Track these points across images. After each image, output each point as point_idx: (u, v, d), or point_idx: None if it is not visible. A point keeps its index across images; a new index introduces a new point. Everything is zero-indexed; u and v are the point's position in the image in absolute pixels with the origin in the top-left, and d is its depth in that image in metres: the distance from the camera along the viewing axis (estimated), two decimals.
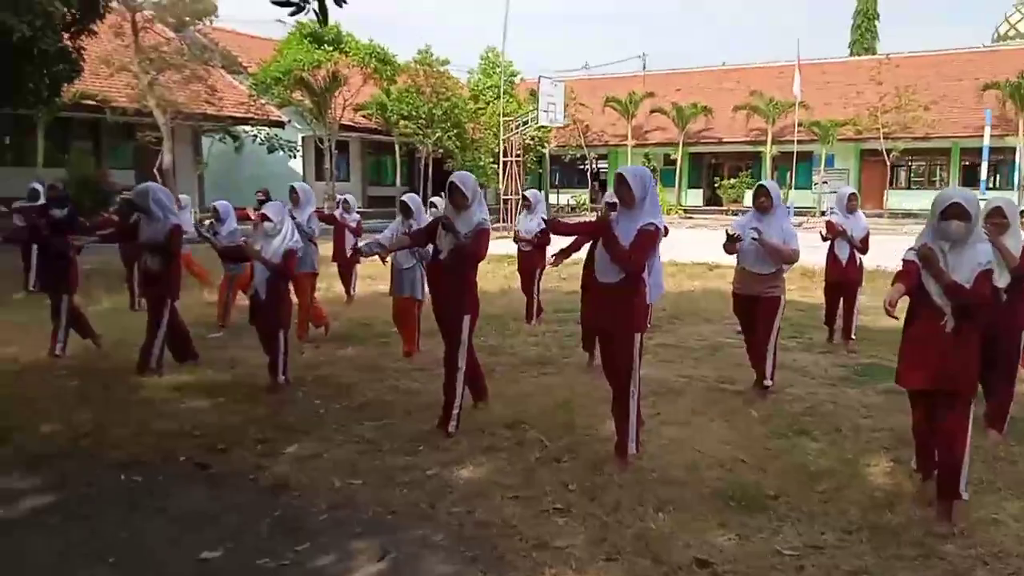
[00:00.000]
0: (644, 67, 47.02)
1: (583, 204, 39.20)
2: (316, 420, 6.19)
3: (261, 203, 9.21)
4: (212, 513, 4.52)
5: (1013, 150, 30.82)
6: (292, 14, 4.03)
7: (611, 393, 5.29)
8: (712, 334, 9.63)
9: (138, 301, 10.20)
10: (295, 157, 27.26)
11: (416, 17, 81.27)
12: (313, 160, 31.88)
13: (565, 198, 41.21)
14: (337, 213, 11.41)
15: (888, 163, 32.98)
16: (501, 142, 24.86)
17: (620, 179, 5.04)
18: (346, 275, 11.65)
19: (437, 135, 27.26)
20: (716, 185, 38.94)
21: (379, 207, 29.84)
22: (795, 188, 35.91)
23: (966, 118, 32.60)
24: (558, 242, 6.54)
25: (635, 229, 4.93)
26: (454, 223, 5.60)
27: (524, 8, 79.76)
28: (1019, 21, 45.53)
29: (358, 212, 11.92)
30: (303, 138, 29.00)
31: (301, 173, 31.75)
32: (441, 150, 27.95)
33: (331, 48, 23.81)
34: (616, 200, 5.20)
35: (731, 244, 6.58)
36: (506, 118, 25.29)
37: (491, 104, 30.22)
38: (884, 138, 32.29)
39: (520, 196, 26.19)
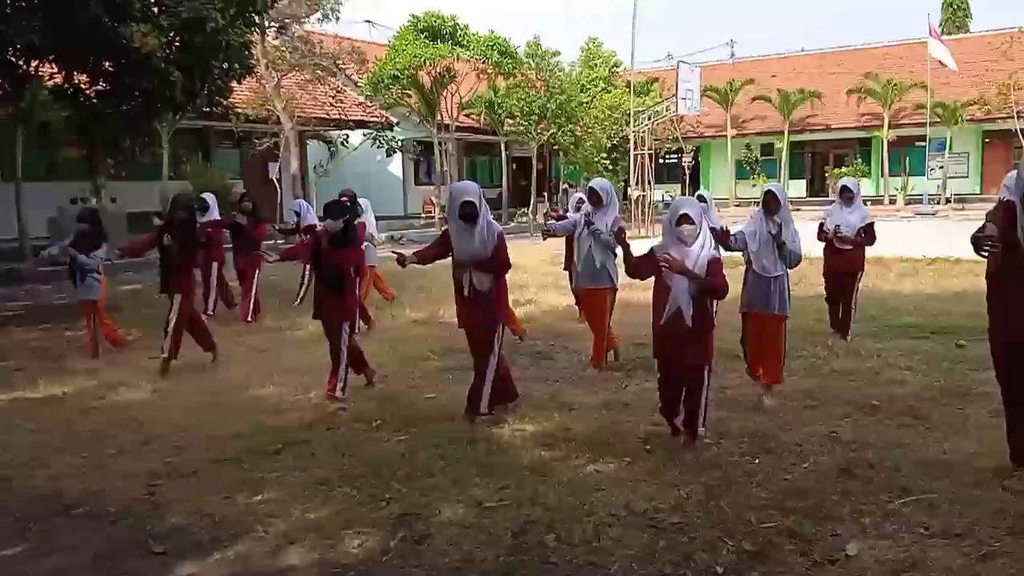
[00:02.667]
0: (732, 55, 45.26)
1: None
2: None
3: (348, 204, 8.51)
4: None
5: None
6: None
7: None
8: None
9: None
10: (392, 153, 25.58)
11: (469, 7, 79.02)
12: (412, 163, 30.67)
13: (659, 194, 39.43)
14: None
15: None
16: (632, 135, 23.29)
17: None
18: None
19: (552, 131, 25.80)
20: (826, 175, 37.01)
21: None
22: (909, 175, 33.91)
23: None
24: None
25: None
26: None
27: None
28: None
29: None
30: (402, 141, 27.73)
31: (400, 177, 30.58)
32: (553, 147, 26.51)
33: (449, 42, 22.50)
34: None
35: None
36: (637, 110, 23.77)
37: (596, 97, 28.71)
38: (1018, 117, 30.09)
39: (634, 192, 24.72)
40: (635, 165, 23.07)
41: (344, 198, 9.56)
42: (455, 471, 4.86)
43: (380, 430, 5.75)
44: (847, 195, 7.98)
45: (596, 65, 29.78)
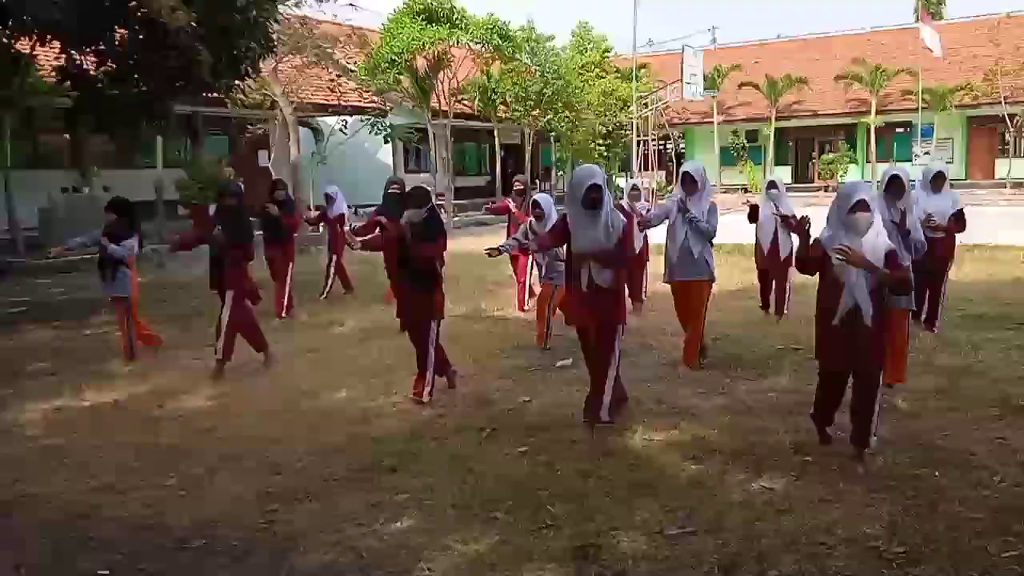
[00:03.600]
0: (714, 40, 44.95)
1: (664, 188, 37.20)
2: None
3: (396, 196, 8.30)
4: None
5: None
6: None
7: None
8: None
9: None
10: (389, 140, 24.77)
11: None
12: (402, 150, 29.89)
13: (645, 180, 39.01)
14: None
15: (1012, 129, 30.88)
16: (635, 121, 22.82)
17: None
18: None
19: (548, 117, 25.22)
20: (812, 160, 37.01)
21: (466, 198, 27.94)
22: (895, 161, 33.96)
23: None
24: None
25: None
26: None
27: None
28: None
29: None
30: (392, 128, 26.86)
31: (391, 164, 29.80)
32: (550, 132, 25.92)
33: (447, 25, 21.77)
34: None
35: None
36: (640, 95, 23.31)
37: (589, 83, 28.19)
38: (1005, 102, 30.22)
39: (641, 180, 24.08)
40: (639, 151, 22.62)
41: (395, 186, 8.98)
42: (607, 490, 4.37)
43: (493, 440, 5.23)
44: (940, 181, 7.55)
45: (587, 50, 29.22)
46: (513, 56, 23.10)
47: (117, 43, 9.76)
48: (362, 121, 22.28)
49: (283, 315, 9.71)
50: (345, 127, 20.59)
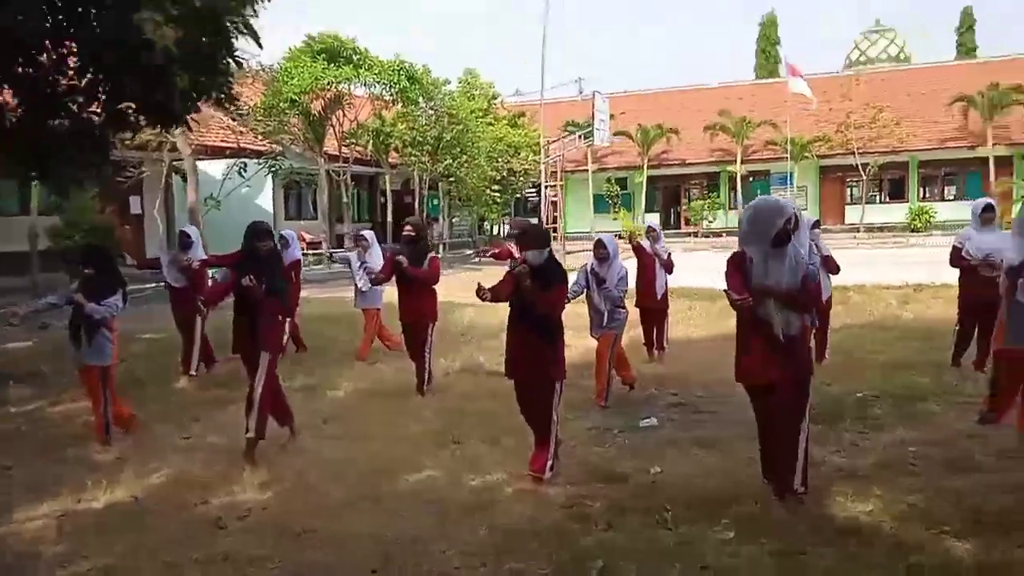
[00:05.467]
0: (580, 91, 45.98)
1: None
2: None
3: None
4: None
5: (984, 160, 31.67)
6: None
7: None
8: None
9: None
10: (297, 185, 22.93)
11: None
12: (283, 197, 28.18)
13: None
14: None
15: (865, 178, 33.27)
16: (543, 166, 22.56)
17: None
18: None
19: (447, 162, 24.53)
20: (681, 207, 38.36)
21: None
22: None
23: (929, 132, 33.58)
24: None
25: None
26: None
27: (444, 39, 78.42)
28: (868, 47, 47.73)
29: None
30: (275, 172, 25.19)
31: (271, 211, 27.99)
32: (448, 178, 25.21)
33: (348, 65, 20.65)
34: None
35: None
36: (552, 140, 23.09)
37: (481, 128, 27.84)
38: (859, 153, 32.56)
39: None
40: (547, 198, 22.36)
41: (409, 228, 7.95)
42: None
43: (690, 524, 4.35)
44: (988, 215, 7.44)
45: (474, 96, 28.90)
46: (417, 100, 22.31)
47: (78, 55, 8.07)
48: (259, 164, 20.66)
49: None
50: (244, 170, 18.94)
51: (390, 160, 25.79)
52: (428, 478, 5.33)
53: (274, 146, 22.16)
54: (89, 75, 7.47)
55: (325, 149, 23.58)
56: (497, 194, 27.45)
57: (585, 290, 6.99)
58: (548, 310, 5.07)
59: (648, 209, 38.69)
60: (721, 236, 32.92)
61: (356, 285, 9.83)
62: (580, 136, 23.72)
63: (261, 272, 5.77)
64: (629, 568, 3.88)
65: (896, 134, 31.78)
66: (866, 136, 32.18)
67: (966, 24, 52.18)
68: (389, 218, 26.63)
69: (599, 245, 6.98)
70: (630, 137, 35.82)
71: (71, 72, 7.68)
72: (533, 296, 4.97)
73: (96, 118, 8.12)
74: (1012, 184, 30.93)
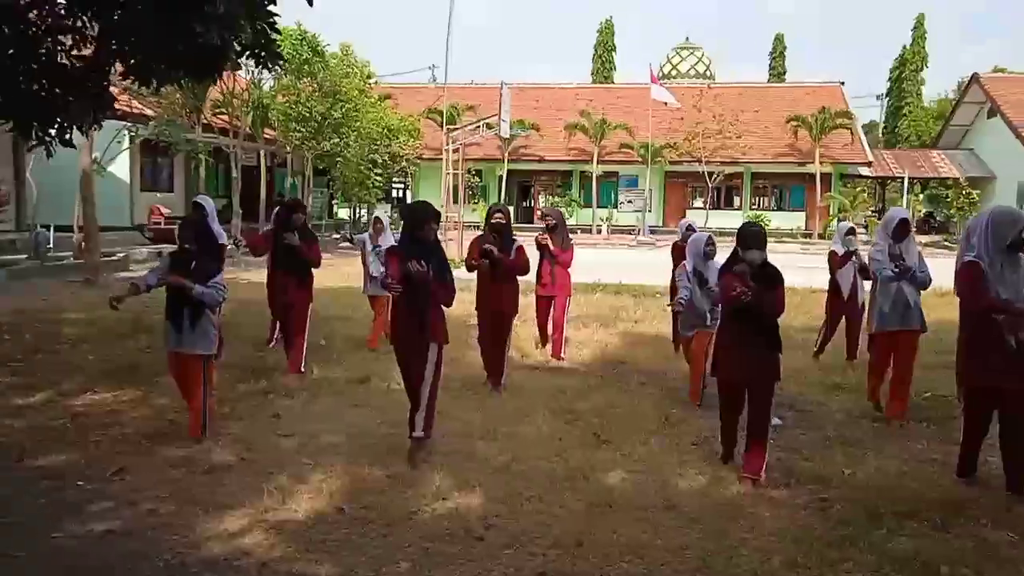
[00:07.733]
0: (433, 79, 45.36)
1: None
2: None
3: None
4: None
5: (810, 176, 34.97)
6: None
7: None
8: None
9: None
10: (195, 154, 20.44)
11: None
12: (139, 167, 25.56)
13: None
14: None
15: (711, 185, 35.55)
16: (448, 153, 22.06)
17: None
18: None
19: (334, 140, 23.37)
20: (534, 203, 39.10)
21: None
22: (600, 207, 37.14)
23: (764, 146, 36.53)
24: None
25: None
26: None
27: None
28: (679, 62, 51.37)
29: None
30: (133, 140, 22.74)
31: (128, 181, 25.33)
32: (335, 157, 24.03)
33: None
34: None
35: None
36: (451, 128, 22.54)
37: (365, 108, 26.71)
38: (705, 162, 34.78)
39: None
40: (450, 186, 21.93)
41: (500, 215, 7.50)
42: None
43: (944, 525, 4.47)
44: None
45: (349, 74, 27.64)
46: (317, 74, 21.08)
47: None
48: (123, 129, 18.51)
49: (301, 370, 7.62)
50: (136, 133, 16.97)
51: (265, 135, 24.17)
52: (629, 481, 5.10)
53: (146, 109, 20.14)
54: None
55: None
56: (379, 178, 26.55)
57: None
58: (772, 317, 5.04)
59: (507, 203, 39.18)
60: (576, 232, 33.93)
61: (367, 270, 9.19)
62: (484, 126, 23.30)
63: (428, 257, 5.28)
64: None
65: (739, 147, 34.21)
66: (712, 146, 34.36)
67: (778, 50, 57.29)
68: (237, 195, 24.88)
69: (709, 242, 6.95)
70: (490, 127, 35.86)
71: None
72: (757, 299, 4.90)
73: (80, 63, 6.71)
74: (833, 199, 34.34)
